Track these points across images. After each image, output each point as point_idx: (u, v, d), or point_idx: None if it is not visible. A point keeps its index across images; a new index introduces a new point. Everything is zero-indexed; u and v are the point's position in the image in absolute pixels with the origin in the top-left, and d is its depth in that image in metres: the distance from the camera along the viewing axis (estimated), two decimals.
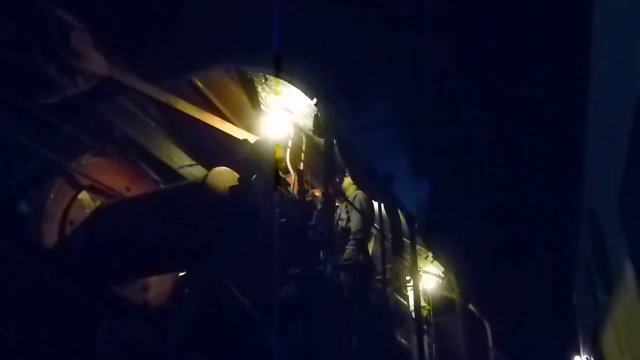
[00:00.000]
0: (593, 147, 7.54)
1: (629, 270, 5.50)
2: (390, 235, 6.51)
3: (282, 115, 5.59)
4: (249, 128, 5.70)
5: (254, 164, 4.80)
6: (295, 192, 5.20)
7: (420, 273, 7.99)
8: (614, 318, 7.18)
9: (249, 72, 5.25)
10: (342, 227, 5.91)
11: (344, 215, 5.98)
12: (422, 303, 7.44)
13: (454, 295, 8.82)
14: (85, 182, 4.85)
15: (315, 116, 5.37)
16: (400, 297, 6.90)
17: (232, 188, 4.62)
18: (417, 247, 7.25)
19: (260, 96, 5.54)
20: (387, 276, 6.12)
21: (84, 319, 3.74)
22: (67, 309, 3.65)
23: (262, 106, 5.67)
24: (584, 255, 10.51)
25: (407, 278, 7.51)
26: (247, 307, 4.25)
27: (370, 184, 6.19)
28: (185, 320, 4.24)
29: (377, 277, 6.06)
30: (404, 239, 7.09)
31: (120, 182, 5.18)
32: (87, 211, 4.87)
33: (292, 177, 5.36)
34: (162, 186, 5.63)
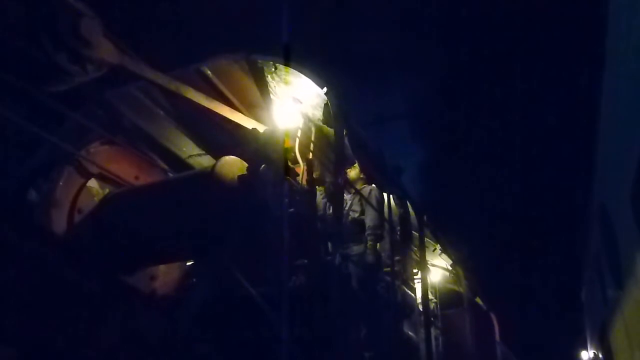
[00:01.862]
0: (604, 140, 7.47)
1: None
2: (398, 228, 6.48)
3: (291, 105, 5.54)
4: (258, 118, 5.67)
5: (263, 154, 4.77)
6: (304, 182, 5.17)
7: (428, 266, 7.96)
8: (623, 313, 7.13)
9: (259, 61, 5.20)
10: (353, 218, 5.87)
11: (357, 207, 5.93)
12: (430, 296, 7.41)
13: (461, 289, 8.78)
14: (94, 170, 4.85)
15: (325, 106, 5.32)
16: (408, 289, 6.87)
17: (240, 177, 4.60)
18: (425, 239, 7.21)
19: (270, 86, 5.49)
20: (395, 268, 6.09)
21: (91, 307, 3.74)
22: (74, 296, 3.66)
23: (271, 96, 5.63)
24: (593, 250, 10.45)
25: (415, 270, 7.48)
26: (254, 297, 4.24)
27: (379, 176, 6.15)
28: (193, 310, 4.24)
29: (385, 269, 6.04)
30: (413, 231, 7.06)
31: (129, 170, 5.18)
32: (96, 199, 4.88)
33: (301, 168, 5.33)
34: (170, 175, 5.63)
